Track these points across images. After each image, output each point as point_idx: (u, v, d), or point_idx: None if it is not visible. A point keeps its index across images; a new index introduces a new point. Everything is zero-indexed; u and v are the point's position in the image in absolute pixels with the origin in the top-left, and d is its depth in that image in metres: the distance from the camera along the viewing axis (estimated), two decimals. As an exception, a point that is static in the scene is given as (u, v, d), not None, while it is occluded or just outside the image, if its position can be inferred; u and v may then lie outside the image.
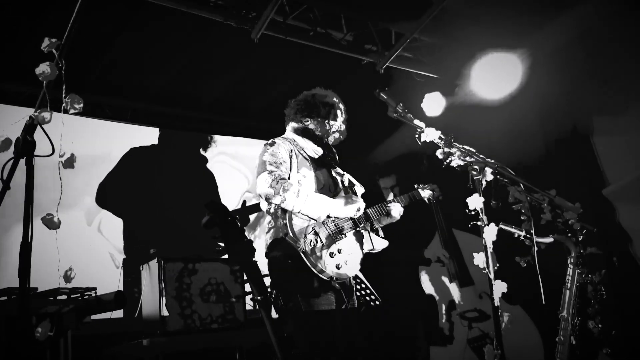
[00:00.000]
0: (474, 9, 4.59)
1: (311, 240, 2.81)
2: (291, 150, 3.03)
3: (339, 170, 3.26)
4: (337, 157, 3.26)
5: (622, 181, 4.44)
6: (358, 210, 3.04)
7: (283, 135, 3.20)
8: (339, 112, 3.25)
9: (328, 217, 2.92)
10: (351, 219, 3.01)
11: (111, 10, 4.35)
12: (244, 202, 3.95)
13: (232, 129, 6.56)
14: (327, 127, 3.20)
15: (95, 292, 3.15)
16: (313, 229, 2.85)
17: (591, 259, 2.99)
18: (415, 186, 3.57)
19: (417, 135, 2.52)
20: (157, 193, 5.67)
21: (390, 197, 3.32)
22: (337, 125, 3.23)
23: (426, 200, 3.60)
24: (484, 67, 4.95)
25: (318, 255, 2.79)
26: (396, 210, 3.24)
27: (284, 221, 2.84)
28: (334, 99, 3.27)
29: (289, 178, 2.93)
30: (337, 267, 2.83)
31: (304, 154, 3.09)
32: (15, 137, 1.79)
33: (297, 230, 2.81)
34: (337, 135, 3.24)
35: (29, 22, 4.37)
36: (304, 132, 3.19)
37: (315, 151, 3.16)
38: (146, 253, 5.26)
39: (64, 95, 1.83)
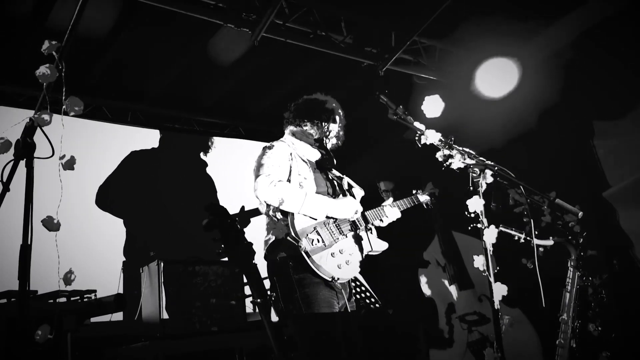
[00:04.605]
0: (474, 12, 4.59)
1: (313, 240, 2.82)
2: (290, 154, 3.04)
3: (337, 173, 3.27)
4: (334, 160, 3.27)
5: (622, 184, 4.44)
6: (356, 212, 3.05)
7: (282, 139, 3.21)
8: (337, 117, 3.28)
9: (328, 217, 2.94)
10: (351, 220, 3.02)
11: (111, 13, 4.36)
12: (242, 207, 3.93)
13: (232, 131, 6.57)
14: (326, 132, 3.23)
15: (95, 295, 3.14)
16: (315, 228, 2.86)
17: (591, 261, 2.99)
18: (414, 192, 3.55)
19: (417, 138, 2.52)
20: (157, 195, 5.67)
21: (390, 200, 3.30)
22: (336, 130, 3.27)
23: (424, 205, 3.58)
24: (485, 70, 4.95)
25: (320, 254, 2.80)
26: (393, 215, 3.23)
27: (285, 222, 2.84)
28: (334, 104, 3.31)
29: (288, 181, 2.94)
30: (339, 266, 2.84)
31: (303, 157, 3.10)
32: (15, 139, 1.79)
33: (298, 230, 2.82)
34: (334, 140, 3.28)
35: (29, 24, 4.38)
36: (302, 136, 3.21)
37: (314, 154, 3.19)
38: (146, 255, 5.24)
39: (64, 97, 1.82)
